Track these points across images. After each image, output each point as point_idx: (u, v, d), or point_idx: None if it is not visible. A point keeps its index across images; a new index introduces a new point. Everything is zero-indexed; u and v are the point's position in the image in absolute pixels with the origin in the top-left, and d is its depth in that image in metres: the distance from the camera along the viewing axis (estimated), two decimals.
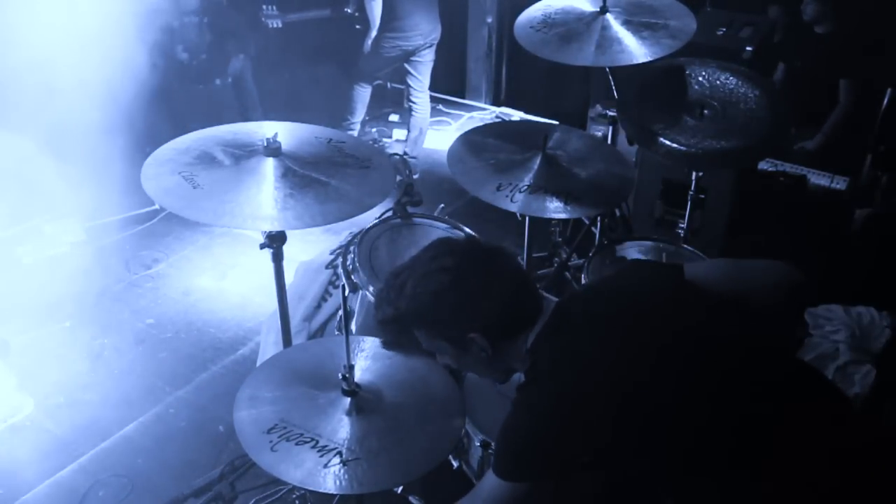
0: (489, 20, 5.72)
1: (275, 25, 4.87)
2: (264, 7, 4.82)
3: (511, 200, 2.38)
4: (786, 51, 4.17)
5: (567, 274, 3.22)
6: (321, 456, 1.61)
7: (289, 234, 2.11)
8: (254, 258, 3.67)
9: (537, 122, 4.49)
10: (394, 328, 1.65)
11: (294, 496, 2.49)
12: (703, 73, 2.70)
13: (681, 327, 1.51)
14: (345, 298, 1.95)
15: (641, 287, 1.61)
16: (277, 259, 2.16)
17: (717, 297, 1.57)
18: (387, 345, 1.91)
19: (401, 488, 2.20)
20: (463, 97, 6.04)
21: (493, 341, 1.57)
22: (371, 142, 5.18)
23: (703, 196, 2.82)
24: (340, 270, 2.46)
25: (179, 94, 4.53)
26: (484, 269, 1.58)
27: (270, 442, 1.64)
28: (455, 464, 2.06)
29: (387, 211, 2.52)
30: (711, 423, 1.42)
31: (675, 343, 1.48)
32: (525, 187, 2.41)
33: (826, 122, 3.95)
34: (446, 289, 1.55)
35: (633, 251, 2.66)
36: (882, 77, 3.83)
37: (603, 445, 1.44)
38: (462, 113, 5.86)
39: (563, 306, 1.59)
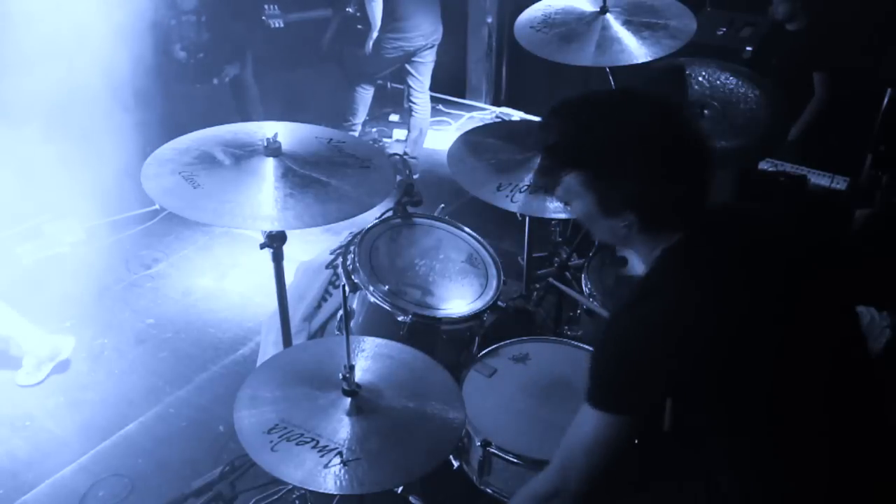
0: (489, 20, 5.72)
1: (276, 25, 4.87)
2: (266, 7, 4.82)
3: (511, 200, 2.38)
4: (763, 50, 4.18)
5: (567, 274, 3.22)
6: (321, 456, 1.61)
7: (289, 234, 2.11)
8: (254, 258, 3.67)
9: (537, 122, 4.48)
10: (554, 160, 1.50)
11: (294, 496, 2.49)
12: (703, 73, 2.70)
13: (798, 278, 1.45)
14: (345, 298, 1.94)
15: (795, 232, 1.54)
16: (277, 259, 2.16)
17: None
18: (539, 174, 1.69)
19: (401, 488, 2.20)
20: (463, 97, 6.04)
21: (641, 225, 1.45)
22: (371, 142, 5.18)
23: None
24: (340, 270, 2.47)
25: (178, 93, 4.53)
26: (681, 157, 1.42)
27: (271, 442, 1.64)
28: (455, 464, 2.06)
29: (387, 211, 2.52)
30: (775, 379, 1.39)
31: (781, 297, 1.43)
32: (525, 187, 2.41)
33: (804, 113, 3.97)
34: (635, 158, 1.41)
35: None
36: (857, 71, 3.86)
37: (684, 377, 1.39)
38: (462, 113, 5.86)
39: (703, 226, 1.47)
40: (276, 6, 4.84)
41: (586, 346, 2.27)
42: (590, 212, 1.50)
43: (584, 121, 1.47)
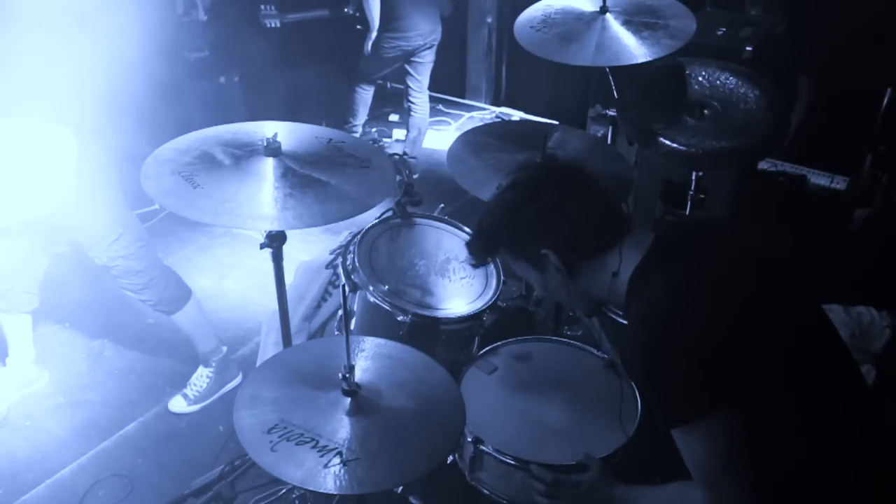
0: (489, 20, 5.73)
1: (273, 25, 4.87)
2: (262, 7, 4.82)
3: None
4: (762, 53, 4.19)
5: None
6: (321, 456, 1.61)
7: (289, 234, 2.11)
8: (254, 258, 3.67)
9: (537, 122, 4.49)
10: (478, 247, 1.75)
11: (294, 496, 2.49)
12: (703, 73, 2.70)
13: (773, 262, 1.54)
14: (345, 298, 1.94)
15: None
16: (277, 259, 2.16)
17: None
18: (475, 265, 1.98)
19: (401, 488, 2.20)
20: (463, 97, 6.05)
21: (565, 260, 1.58)
22: (371, 142, 5.19)
23: (703, 196, 2.82)
24: (340, 270, 2.47)
25: (182, 92, 4.53)
26: (558, 186, 1.61)
27: (270, 442, 1.64)
28: (450, 458, 2.05)
29: (387, 211, 2.53)
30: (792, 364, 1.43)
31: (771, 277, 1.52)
32: None
33: (791, 118, 3.98)
34: (519, 204, 1.62)
35: None
36: (851, 71, 3.87)
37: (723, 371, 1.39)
38: (462, 113, 5.86)
39: (667, 238, 1.58)
40: (272, 6, 4.84)
41: (590, 348, 2.26)
42: (534, 276, 1.68)
43: (485, 212, 1.71)
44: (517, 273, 1.73)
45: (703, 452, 1.42)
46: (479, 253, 1.78)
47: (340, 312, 2.52)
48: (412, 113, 4.93)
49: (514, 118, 5.73)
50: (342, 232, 3.05)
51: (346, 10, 4.95)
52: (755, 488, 1.40)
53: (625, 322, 2.32)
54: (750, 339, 1.40)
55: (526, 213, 1.61)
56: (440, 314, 2.31)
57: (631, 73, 2.72)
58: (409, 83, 4.83)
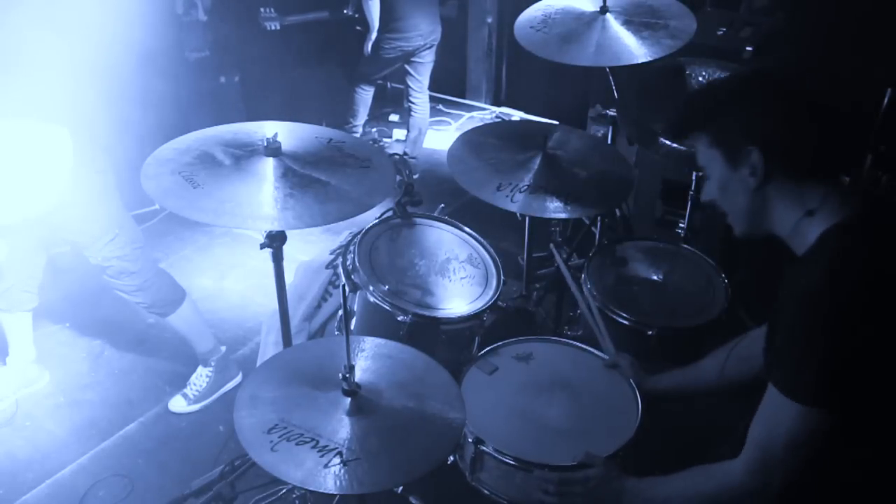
0: (489, 20, 5.73)
1: (273, 28, 4.87)
2: (262, 10, 4.81)
3: (511, 200, 2.38)
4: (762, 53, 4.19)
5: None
6: (321, 456, 1.61)
7: (289, 234, 2.11)
8: (254, 258, 3.67)
9: (537, 122, 4.49)
10: (681, 119, 1.61)
11: (294, 496, 2.49)
12: (703, 73, 2.70)
13: None
14: (345, 298, 1.94)
15: None
16: (277, 259, 2.16)
17: None
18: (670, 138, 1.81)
19: (401, 488, 2.20)
20: (463, 97, 6.05)
21: (769, 167, 1.45)
22: (371, 142, 5.19)
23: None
24: (340, 270, 2.47)
25: (182, 92, 4.53)
26: (803, 95, 1.48)
27: (271, 442, 1.64)
28: (451, 458, 2.05)
29: (387, 211, 2.53)
30: None
31: None
32: (525, 187, 2.41)
33: None
34: (755, 90, 1.50)
35: (633, 251, 2.66)
36: (850, 71, 3.87)
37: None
38: (462, 113, 5.86)
39: (881, 212, 1.46)
40: (271, 9, 4.83)
41: (591, 348, 2.26)
42: (720, 172, 1.53)
43: (700, 87, 1.64)
44: (700, 161, 1.60)
45: (783, 428, 1.38)
46: (678, 126, 1.63)
47: (340, 312, 2.52)
48: (412, 113, 4.92)
49: (514, 118, 5.73)
50: (342, 232, 3.05)
51: (345, 11, 4.94)
52: (795, 487, 1.38)
53: (627, 323, 2.34)
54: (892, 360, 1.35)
55: (757, 102, 1.48)
56: (440, 314, 2.30)
57: (631, 73, 2.72)
58: (410, 83, 4.83)
